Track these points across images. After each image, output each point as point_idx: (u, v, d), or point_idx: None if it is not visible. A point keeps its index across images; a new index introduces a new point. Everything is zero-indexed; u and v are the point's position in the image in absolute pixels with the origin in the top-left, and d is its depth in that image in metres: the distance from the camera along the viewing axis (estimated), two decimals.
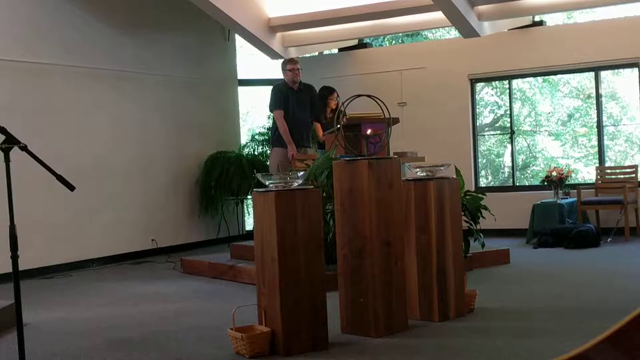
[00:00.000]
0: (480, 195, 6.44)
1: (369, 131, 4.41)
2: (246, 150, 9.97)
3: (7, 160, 3.28)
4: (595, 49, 8.91)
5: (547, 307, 4.82)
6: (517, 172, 10.45)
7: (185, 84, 9.39)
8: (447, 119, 9.66)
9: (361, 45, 10.47)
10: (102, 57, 8.29)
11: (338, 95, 7.62)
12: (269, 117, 9.78)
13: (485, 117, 11.22)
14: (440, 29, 11.80)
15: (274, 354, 3.83)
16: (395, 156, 5.01)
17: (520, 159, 11.14)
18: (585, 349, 1.30)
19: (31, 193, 7.13)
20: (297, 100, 7.36)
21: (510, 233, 8.87)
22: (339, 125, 4.43)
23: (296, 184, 3.96)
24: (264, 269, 3.91)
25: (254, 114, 12.07)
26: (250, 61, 11.55)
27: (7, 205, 3.29)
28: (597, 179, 8.98)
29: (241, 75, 10.51)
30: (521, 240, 8.54)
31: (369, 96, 4.29)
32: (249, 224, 10.11)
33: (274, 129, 7.43)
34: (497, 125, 11.16)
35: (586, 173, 10.91)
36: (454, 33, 10.59)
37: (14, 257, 3.26)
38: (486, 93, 11.05)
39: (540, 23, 9.49)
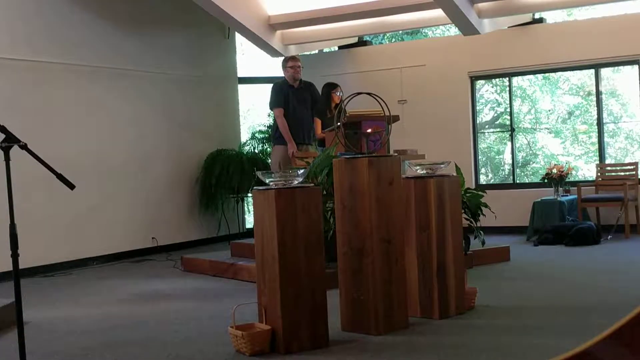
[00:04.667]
0: (480, 192, 6.44)
1: (369, 129, 4.41)
2: (246, 148, 9.97)
3: (7, 159, 3.28)
4: (595, 46, 8.90)
5: (547, 305, 4.83)
6: (517, 170, 10.45)
7: (186, 82, 9.38)
8: (447, 117, 9.65)
9: (361, 43, 10.46)
10: (102, 55, 8.28)
11: (341, 91, 7.59)
12: (269, 115, 9.78)
13: (485, 115, 11.21)
14: (440, 26, 11.79)
15: (274, 352, 3.83)
16: (396, 154, 5.02)
17: (520, 157, 11.13)
18: (588, 345, 1.30)
19: (31, 191, 7.14)
20: (298, 98, 7.36)
21: (510, 230, 8.87)
22: (339, 123, 4.43)
23: (296, 182, 3.96)
24: (264, 267, 3.90)
25: (254, 111, 12.06)
26: (250, 58, 11.54)
27: (7, 203, 3.29)
28: (597, 176, 8.98)
29: (241, 73, 10.51)
30: (521, 237, 8.54)
31: (369, 94, 4.29)
32: (249, 222, 10.11)
33: (274, 126, 7.44)
34: (497, 122, 11.15)
35: (586, 170, 10.89)
36: (454, 30, 10.58)
37: (14, 256, 3.26)
38: (486, 90, 11.03)
39: (540, 20, 9.48)
